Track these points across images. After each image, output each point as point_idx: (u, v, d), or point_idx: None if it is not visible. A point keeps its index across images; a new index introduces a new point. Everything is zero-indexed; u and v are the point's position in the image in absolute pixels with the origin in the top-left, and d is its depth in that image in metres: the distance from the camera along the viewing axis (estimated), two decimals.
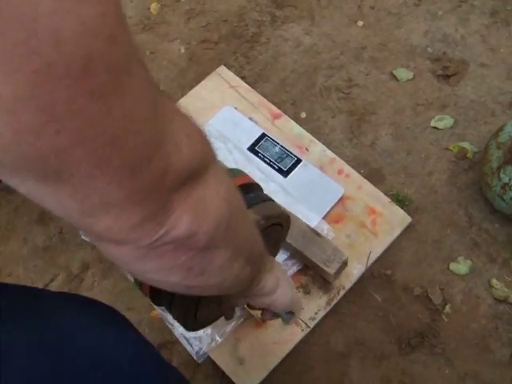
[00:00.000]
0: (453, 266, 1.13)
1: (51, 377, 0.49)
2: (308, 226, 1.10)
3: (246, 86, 1.32)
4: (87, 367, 0.52)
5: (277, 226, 0.84)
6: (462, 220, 1.17)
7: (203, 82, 1.33)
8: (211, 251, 0.46)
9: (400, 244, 1.15)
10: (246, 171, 1.19)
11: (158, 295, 0.76)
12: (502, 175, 1.06)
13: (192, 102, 1.30)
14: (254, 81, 1.35)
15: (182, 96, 1.32)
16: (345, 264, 1.07)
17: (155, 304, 0.81)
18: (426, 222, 1.17)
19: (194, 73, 1.37)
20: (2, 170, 0.33)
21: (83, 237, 1.19)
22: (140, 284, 0.76)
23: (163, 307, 0.78)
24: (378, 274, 1.14)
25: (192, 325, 0.84)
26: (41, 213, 1.25)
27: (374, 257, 1.13)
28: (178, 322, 0.81)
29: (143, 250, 0.41)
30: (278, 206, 0.84)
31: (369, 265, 1.13)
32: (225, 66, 1.35)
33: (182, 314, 0.79)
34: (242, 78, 1.35)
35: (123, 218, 0.37)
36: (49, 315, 0.53)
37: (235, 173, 0.84)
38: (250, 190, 0.83)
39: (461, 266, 1.13)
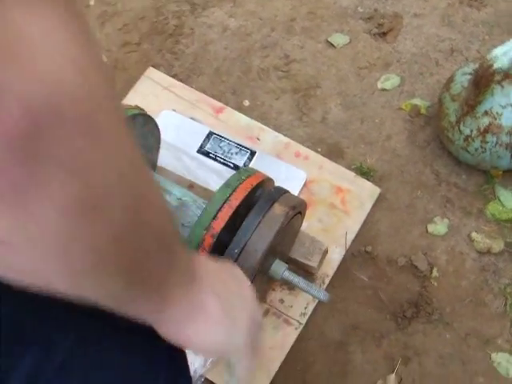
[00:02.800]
0: (431, 228, 1.10)
1: None
2: None
3: (180, 84, 1.24)
4: None
5: (298, 215, 0.90)
6: (429, 179, 1.14)
7: (134, 89, 1.24)
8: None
9: (374, 217, 1.11)
10: (200, 176, 1.14)
11: None
12: (462, 128, 1.03)
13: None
14: (186, 77, 1.27)
15: None
16: (325, 252, 1.03)
17: None
18: (395, 189, 1.13)
19: (123, 81, 1.27)
20: None
21: None
22: None
23: None
24: (358, 252, 1.10)
25: None
26: None
27: (351, 236, 1.09)
28: None
29: None
30: (296, 196, 0.92)
31: (348, 246, 1.08)
32: (153, 66, 1.26)
33: None
34: (174, 76, 1.26)
35: None
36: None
37: (249, 172, 0.87)
38: (270, 185, 0.91)
39: (439, 227, 1.10)
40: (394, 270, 1.08)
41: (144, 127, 0.98)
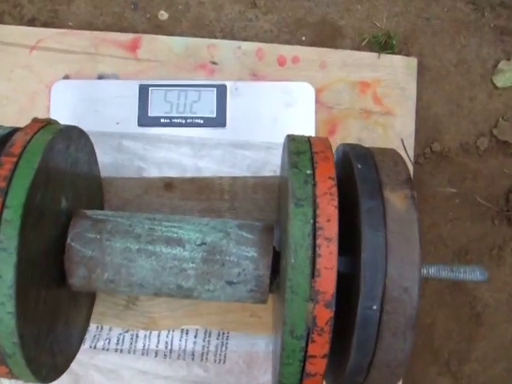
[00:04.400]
0: (499, 80, 0.77)
1: None
2: None
3: (53, 30, 0.75)
4: None
5: None
6: (465, 12, 0.78)
7: None
8: None
9: (423, 100, 0.76)
10: (166, 160, 0.72)
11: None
12: None
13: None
14: (52, 14, 0.78)
15: None
16: None
17: None
18: (431, 47, 0.77)
19: None
20: None
21: None
22: None
23: None
24: (424, 157, 0.77)
25: None
26: None
27: (409, 142, 0.75)
28: None
29: None
30: (386, 149, 0.54)
31: (411, 156, 0.75)
32: None
33: None
34: (32, 21, 0.77)
35: None
36: None
37: (306, 153, 0.49)
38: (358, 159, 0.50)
39: (508, 74, 0.77)
40: (478, 158, 0.77)
41: (69, 149, 0.54)
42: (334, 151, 0.51)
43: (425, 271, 0.53)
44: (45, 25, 0.76)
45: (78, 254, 0.52)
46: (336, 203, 0.45)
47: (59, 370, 0.55)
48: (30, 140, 0.48)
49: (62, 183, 0.53)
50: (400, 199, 0.46)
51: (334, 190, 0.45)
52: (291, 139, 0.51)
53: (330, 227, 0.44)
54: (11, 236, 0.43)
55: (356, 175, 0.48)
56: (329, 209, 0.44)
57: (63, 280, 0.53)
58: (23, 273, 0.44)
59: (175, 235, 0.52)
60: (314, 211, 0.44)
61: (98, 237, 0.52)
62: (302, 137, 0.52)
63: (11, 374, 0.49)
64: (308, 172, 0.46)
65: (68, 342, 0.58)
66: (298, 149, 0.49)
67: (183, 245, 0.52)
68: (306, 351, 0.45)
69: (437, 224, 0.76)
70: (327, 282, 0.43)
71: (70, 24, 0.77)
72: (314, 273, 0.43)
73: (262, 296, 0.53)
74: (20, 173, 0.45)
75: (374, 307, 0.44)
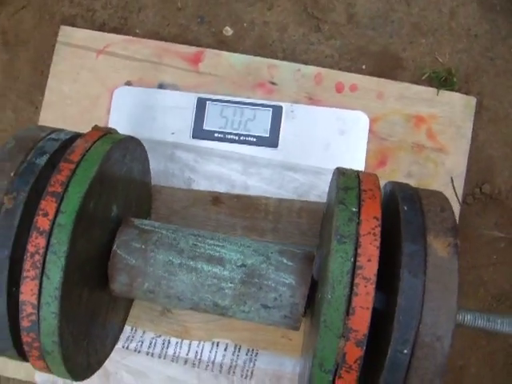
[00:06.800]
0: None
1: None
2: None
3: (120, 37, 0.78)
4: None
5: None
6: None
7: (53, 71, 0.78)
8: None
9: (478, 140, 0.76)
10: (216, 174, 0.74)
11: None
12: None
13: (57, 112, 0.76)
14: (122, 21, 0.80)
15: (36, 110, 0.78)
16: None
17: None
18: (492, 88, 0.77)
19: (28, 63, 0.80)
20: None
21: None
22: None
23: None
24: (473, 198, 0.76)
25: None
26: None
27: (459, 182, 0.74)
28: None
29: None
30: (432, 192, 0.53)
31: (459, 195, 0.74)
32: (64, 23, 0.79)
33: None
34: (102, 26, 0.80)
35: None
36: None
37: (353, 189, 0.49)
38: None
39: None
40: None
41: (125, 159, 0.56)
42: (382, 186, 0.51)
43: (460, 317, 0.53)
44: (114, 30, 0.79)
45: (121, 262, 0.53)
46: (378, 244, 0.45)
47: (92, 369, 0.57)
48: (89, 148, 0.50)
49: (115, 192, 0.55)
50: (443, 246, 0.46)
51: (378, 230, 0.46)
52: (341, 173, 0.52)
53: (369, 267, 0.44)
54: (62, 240, 0.45)
55: (401, 217, 0.48)
56: (370, 249, 0.45)
57: (105, 284, 0.55)
58: (69, 276, 0.46)
59: (217, 254, 0.53)
60: (356, 249, 0.45)
61: (143, 247, 0.54)
62: (352, 171, 0.53)
63: (49, 370, 0.51)
64: (354, 209, 0.47)
65: (103, 343, 0.60)
66: (346, 184, 0.50)
67: (224, 264, 0.53)
68: None
69: (478, 266, 0.75)
70: (361, 320, 0.44)
71: (137, 31, 0.79)
72: (348, 310, 0.44)
73: (294, 323, 0.54)
74: (77, 180, 0.47)
75: (405, 351, 0.44)
